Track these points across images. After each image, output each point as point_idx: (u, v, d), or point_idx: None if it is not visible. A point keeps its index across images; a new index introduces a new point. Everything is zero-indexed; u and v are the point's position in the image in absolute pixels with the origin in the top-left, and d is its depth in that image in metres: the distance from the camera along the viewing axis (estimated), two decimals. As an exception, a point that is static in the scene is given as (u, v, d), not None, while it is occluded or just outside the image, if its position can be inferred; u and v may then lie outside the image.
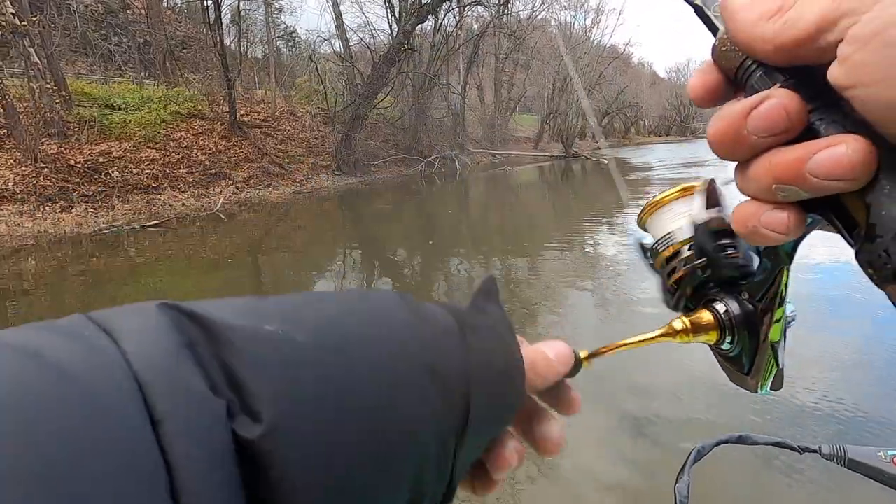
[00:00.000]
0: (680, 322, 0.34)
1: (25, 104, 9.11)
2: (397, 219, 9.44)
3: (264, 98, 14.96)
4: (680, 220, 0.36)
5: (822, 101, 0.19)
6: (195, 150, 10.83)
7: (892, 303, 0.19)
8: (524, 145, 24.88)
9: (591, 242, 6.97)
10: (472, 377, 0.24)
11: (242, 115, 12.84)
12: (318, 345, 0.21)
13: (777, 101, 0.19)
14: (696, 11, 0.23)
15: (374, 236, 8.15)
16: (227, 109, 12.02)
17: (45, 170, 8.37)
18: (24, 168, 8.24)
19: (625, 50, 37.74)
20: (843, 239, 0.20)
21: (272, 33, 19.80)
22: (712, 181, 0.36)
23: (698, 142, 36.75)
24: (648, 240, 0.39)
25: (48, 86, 9.47)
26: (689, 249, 0.35)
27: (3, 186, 7.82)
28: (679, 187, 0.37)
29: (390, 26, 16.67)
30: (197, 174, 10.30)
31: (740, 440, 0.63)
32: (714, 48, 0.22)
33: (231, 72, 11.78)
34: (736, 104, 0.20)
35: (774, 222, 0.20)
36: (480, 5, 20.47)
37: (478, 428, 0.24)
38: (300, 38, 23.57)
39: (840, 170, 0.18)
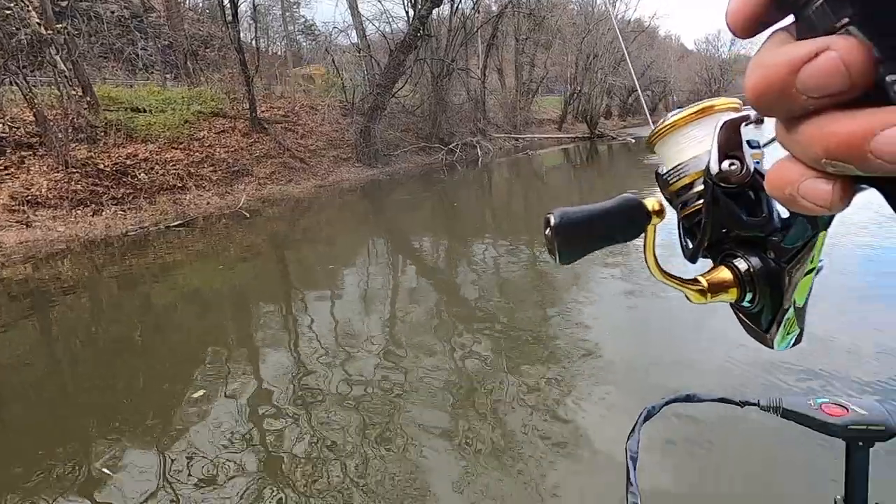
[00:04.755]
0: (698, 284, 0.31)
1: (55, 111, 9.37)
2: (420, 208, 9.36)
3: (284, 93, 15.01)
4: (695, 148, 0.31)
5: None
6: (218, 149, 10.96)
7: None
8: (547, 128, 24.33)
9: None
10: None
11: (263, 112, 12.92)
12: None
13: (836, 56, 0.14)
14: None
15: (398, 227, 8.11)
16: (248, 106, 12.10)
17: (76, 174, 8.60)
18: (55, 174, 8.48)
19: (650, 23, 36.31)
20: None
21: (290, 27, 19.84)
22: (730, 122, 0.30)
23: (731, 115, 35.12)
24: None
25: (75, 92, 9.70)
26: (703, 183, 0.31)
27: (38, 193, 8.08)
28: (696, 107, 0.32)
29: (406, 13, 16.44)
30: (220, 172, 10.42)
31: (688, 399, 0.66)
32: None
33: (249, 68, 11.82)
34: (782, 50, 0.16)
35: (816, 194, 0.17)
36: (497, -14, 19.93)
37: None
38: (318, 30, 23.56)
39: None
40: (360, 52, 16.07)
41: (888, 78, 0.14)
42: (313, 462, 2.19)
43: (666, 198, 0.34)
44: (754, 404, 0.66)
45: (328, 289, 4.93)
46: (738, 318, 0.34)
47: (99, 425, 2.70)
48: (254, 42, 15.93)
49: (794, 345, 0.32)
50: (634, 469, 0.61)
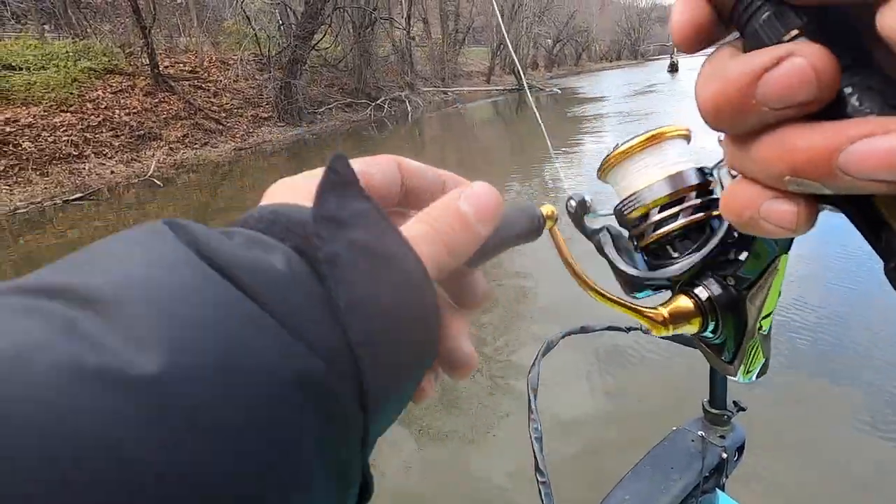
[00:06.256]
0: (657, 313, 0.30)
1: None
2: (350, 169, 9.03)
3: (189, 47, 13.61)
4: (649, 175, 0.31)
5: (851, 57, 0.13)
6: (117, 111, 9.82)
7: None
8: (476, 80, 24.05)
9: (550, 176, 6.92)
10: (356, 346, 0.15)
11: (166, 68, 11.68)
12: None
13: (805, 62, 0.13)
14: None
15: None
16: (148, 62, 10.86)
17: (-57, 146, 7.42)
18: (-85, 145, 7.27)
19: (572, -29, 36.15)
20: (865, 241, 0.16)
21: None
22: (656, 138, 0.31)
23: (649, 65, 36.68)
24: (604, 197, 0.35)
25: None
26: (659, 211, 0.31)
27: None
28: (646, 135, 0.32)
29: (320, -45, 15.17)
30: (123, 137, 9.39)
31: (582, 330, 0.70)
32: None
33: (145, 17, 10.53)
34: (737, 61, 0.15)
35: (779, 217, 0.15)
36: (417, -73, 18.86)
37: (386, 404, 0.16)
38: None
39: (889, 169, 0.12)
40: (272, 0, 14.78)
41: (845, 89, 0.13)
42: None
43: (624, 228, 0.34)
44: (637, 328, 0.73)
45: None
46: (701, 349, 0.33)
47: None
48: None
49: (759, 375, 0.32)
50: (535, 399, 0.65)
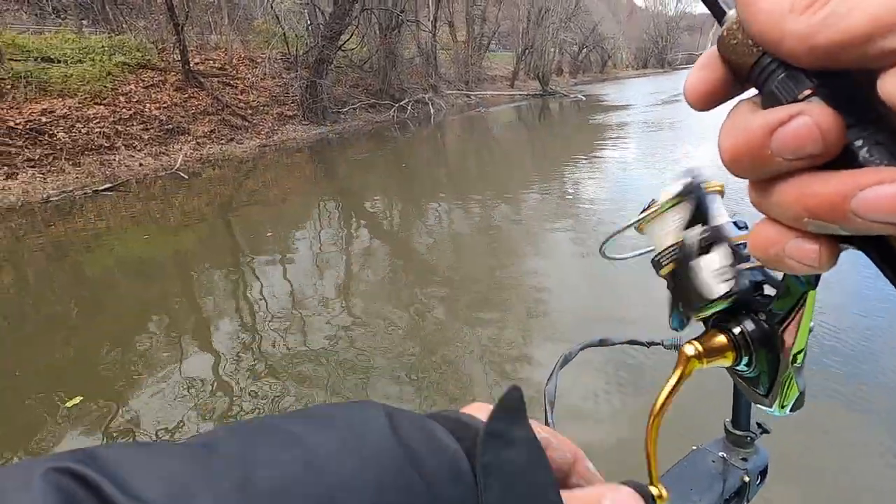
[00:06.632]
0: (691, 347, 0.32)
1: (-51, 60, 8.25)
2: (372, 168, 9.12)
3: (219, 44, 13.90)
4: (680, 232, 0.34)
5: (860, 115, 0.15)
6: (148, 105, 10.07)
7: None
8: (500, 85, 24.02)
9: (571, 182, 6.88)
10: None
11: (197, 64, 11.93)
12: None
13: (810, 120, 0.15)
14: None
15: (350, 187, 7.88)
16: (179, 58, 11.12)
17: (-17, 133, 7.70)
18: (-43, 132, 7.56)
19: (601, -23, 35.84)
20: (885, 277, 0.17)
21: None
22: (690, 188, 0.32)
23: (675, 74, 36.12)
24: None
25: (-28, 38, 8.55)
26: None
27: (-62, 154, 7.20)
28: (675, 194, 0.34)
29: (350, -43, 15.34)
30: (152, 131, 9.62)
31: (601, 343, 0.69)
32: (721, 38, 0.18)
33: (178, 15, 10.79)
34: (755, 116, 0.17)
35: (803, 254, 0.17)
36: (447, -69, 18.93)
37: None
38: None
39: None
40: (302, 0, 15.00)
41: (856, 142, 0.15)
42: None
43: (661, 277, 0.36)
44: (658, 344, 0.72)
45: (279, 254, 4.76)
46: (736, 382, 0.34)
47: (46, 406, 2.53)
48: (181, -15, 14.47)
49: (795, 408, 0.32)
50: (552, 411, 0.65)
